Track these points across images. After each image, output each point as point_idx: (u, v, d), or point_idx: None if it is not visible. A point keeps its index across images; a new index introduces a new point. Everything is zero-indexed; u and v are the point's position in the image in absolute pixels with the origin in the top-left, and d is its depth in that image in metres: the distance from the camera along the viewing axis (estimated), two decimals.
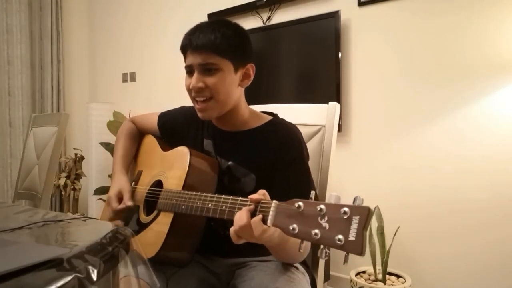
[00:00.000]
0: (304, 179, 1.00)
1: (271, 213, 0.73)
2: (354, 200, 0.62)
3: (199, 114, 1.02)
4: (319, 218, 0.64)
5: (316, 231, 0.64)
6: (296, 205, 0.68)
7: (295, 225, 0.67)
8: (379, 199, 2.01)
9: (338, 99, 2.10)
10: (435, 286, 1.93)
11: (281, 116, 1.10)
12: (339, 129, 2.00)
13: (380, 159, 2.08)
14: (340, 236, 0.60)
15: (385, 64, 2.06)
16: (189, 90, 1.00)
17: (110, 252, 0.63)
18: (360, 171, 2.15)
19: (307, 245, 0.95)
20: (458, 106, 1.86)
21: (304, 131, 1.09)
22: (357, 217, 0.60)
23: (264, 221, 0.74)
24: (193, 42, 0.97)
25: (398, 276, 1.92)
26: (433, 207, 1.92)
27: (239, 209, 0.80)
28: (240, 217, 0.76)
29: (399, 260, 1.96)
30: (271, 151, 1.00)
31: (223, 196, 0.86)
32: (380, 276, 1.88)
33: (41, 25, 3.36)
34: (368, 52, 2.11)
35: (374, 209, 1.91)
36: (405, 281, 1.86)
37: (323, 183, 1.18)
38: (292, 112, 1.20)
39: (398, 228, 1.90)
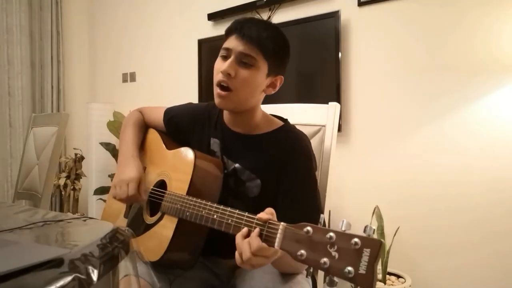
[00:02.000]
0: (310, 190, 0.99)
1: (278, 235, 0.70)
2: (365, 229, 0.60)
3: (216, 100, 0.99)
4: (328, 246, 0.63)
5: (325, 259, 0.62)
6: (305, 230, 0.66)
7: (303, 251, 0.65)
8: (379, 198, 2.01)
9: (338, 99, 2.09)
10: (435, 286, 1.93)
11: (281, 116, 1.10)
12: (339, 129, 1.99)
13: (380, 159, 2.08)
14: (350, 268, 0.59)
15: (385, 64, 2.06)
16: (217, 73, 0.97)
17: (110, 252, 0.63)
18: (360, 171, 2.14)
19: None
20: (458, 106, 1.85)
21: (304, 131, 1.09)
22: (368, 250, 0.58)
23: (271, 242, 0.72)
24: (243, 29, 0.95)
25: (398, 276, 1.91)
26: (433, 207, 1.92)
27: (246, 225, 0.78)
28: (251, 244, 0.73)
29: (399, 260, 1.96)
30: (279, 158, 0.99)
31: (228, 208, 0.84)
32: (380, 276, 1.88)
33: (41, 25, 3.36)
34: (368, 52, 2.11)
35: (374, 210, 1.91)
36: (405, 281, 1.86)
37: (323, 183, 1.18)
38: (292, 112, 1.19)
39: (398, 228, 1.90)
